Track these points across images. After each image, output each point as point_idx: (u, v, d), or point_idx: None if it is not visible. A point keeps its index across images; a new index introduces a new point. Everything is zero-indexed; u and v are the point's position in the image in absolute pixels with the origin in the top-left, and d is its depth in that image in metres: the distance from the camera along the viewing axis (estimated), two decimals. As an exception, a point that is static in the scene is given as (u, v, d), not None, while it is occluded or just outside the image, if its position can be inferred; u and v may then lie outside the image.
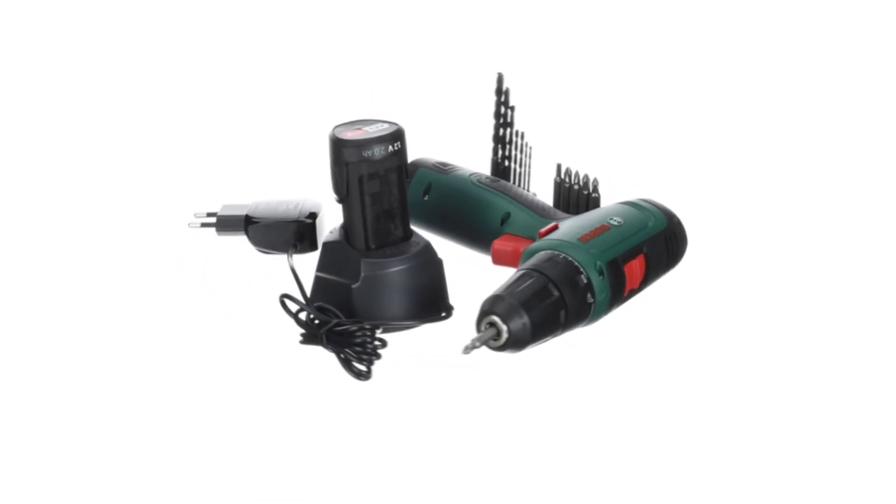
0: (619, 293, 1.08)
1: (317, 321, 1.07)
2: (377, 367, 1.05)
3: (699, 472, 0.96)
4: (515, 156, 1.25)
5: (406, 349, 1.07)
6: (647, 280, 1.11)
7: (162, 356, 1.08)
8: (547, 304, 1.03)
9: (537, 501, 0.95)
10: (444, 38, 1.51)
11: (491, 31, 1.52)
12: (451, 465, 0.98)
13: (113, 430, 1.00)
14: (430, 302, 1.11)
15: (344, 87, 1.47)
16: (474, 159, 1.26)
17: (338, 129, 1.11)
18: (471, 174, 1.22)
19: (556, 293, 1.03)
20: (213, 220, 1.23)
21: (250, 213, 1.22)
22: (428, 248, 1.12)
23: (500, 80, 1.24)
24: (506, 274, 1.08)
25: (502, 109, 1.24)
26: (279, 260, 1.19)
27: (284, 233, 1.20)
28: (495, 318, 1.02)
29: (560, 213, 1.17)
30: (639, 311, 1.12)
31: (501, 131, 1.25)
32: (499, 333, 1.02)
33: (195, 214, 1.25)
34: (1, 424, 1.01)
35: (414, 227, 1.21)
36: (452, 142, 1.31)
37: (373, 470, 0.97)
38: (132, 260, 1.23)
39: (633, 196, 1.16)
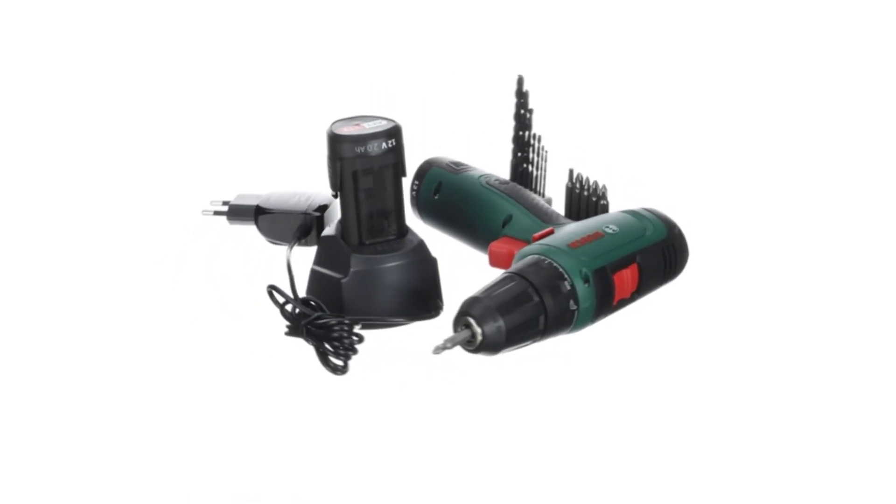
0: (606, 302, 1.06)
1: (299, 313, 1.07)
2: (358, 363, 1.05)
3: (689, 478, 0.95)
4: (533, 159, 1.24)
5: (390, 346, 1.07)
6: (640, 290, 1.09)
7: (153, 346, 1.09)
8: (525, 309, 1.02)
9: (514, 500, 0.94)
10: (472, 39, 1.51)
11: (518, 31, 1.51)
12: (421, 465, 0.97)
13: (97, 419, 1.01)
14: (421, 301, 1.11)
15: (368, 85, 1.47)
16: (498, 160, 1.25)
17: (336, 123, 1.11)
18: (480, 175, 1.21)
19: (535, 298, 1.02)
20: (226, 208, 1.25)
21: (261, 204, 1.23)
22: (421, 247, 1.12)
23: (520, 82, 1.23)
24: (498, 276, 1.07)
25: (521, 112, 1.24)
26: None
27: (292, 224, 1.21)
28: (470, 320, 1.01)
29: (563, 219, 1.15)
30: (636, 316, 1.11)
31: (520, 133, 1.24)
32: (473, 336, 1.01)
33: (211, 202, 1.26)
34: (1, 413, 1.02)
35: (427, 225, 1.22)
36: (478, 142, 1.31)
37: (344, 467, 0.97)
38: (138, 253, 1.24)
39: (640, 204, 1.15)
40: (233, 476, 0.95)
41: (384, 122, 1.11)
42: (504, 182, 1.20)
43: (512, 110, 1.23)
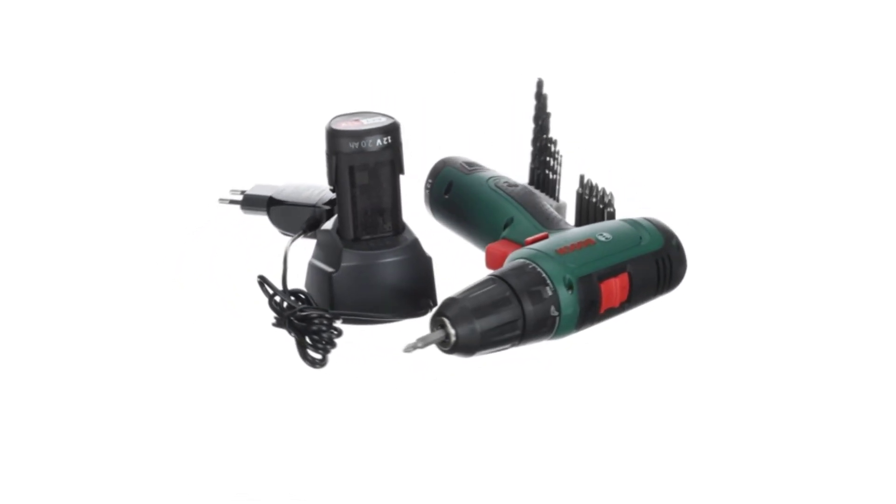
0: (592, 310, 1.05)
1: (285, 305, 1.07)
2: (343, 360, 1.05)
3: (683, 482, 0.95)
4: (549, 163, 1.23)
5: (376, 343, 1.07)
6: (631, 301, 1.08)
7: (151, 343, 1.10)
8: (502, 313, 1.01)
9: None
10: (501, 40, 1.50)
11: (545, 33, 1.51)
12: (402, 462, 0.97)
13: (96, 417, 1.01)
14: (411, 299, 1.11)
15: (393, 84, 1.47)
16: (523, 162, 1.25)
17: (336, 118, 1.11)
18: (490, 177, 1.20)
19: (514, 302, 1.01)
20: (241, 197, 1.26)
21: (274, 195, 1.24)
22: (414, 245, 1.12)
23: (539, 84, 1.22)
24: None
25: (539, 115, 1.23)
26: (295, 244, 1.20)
27: (301, 216, 1.21)
28: (445, 321, 1.01)
29: (566, 225, 1.14)
30: (634, 318, 1.10)
31: (538, 137, 1.23)
32: (447, 336, 1.01)
33: (231, 191, 1.27)
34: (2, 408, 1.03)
35: (438, 224, 1.22)
36: (503, 143, 1.30)
37: (328, 463, 0.97)
38: (137, 251, 1.25)
39: (649, 211, 1.14)
40: (225, 472, 0.96)
41: (383, 119, 1.11)
42: (513, 185, 1.19)
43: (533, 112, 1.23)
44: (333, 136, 1.09)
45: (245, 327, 1.09)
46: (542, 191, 1.23)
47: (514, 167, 1.25)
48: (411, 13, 1.55)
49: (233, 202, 1.26)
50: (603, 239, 1.08)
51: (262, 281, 1.08)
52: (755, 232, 1.26)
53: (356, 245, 1.11)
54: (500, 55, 1.50)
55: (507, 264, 1.05)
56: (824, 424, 0.99)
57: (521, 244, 1.10)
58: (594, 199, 1.17)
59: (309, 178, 1.26)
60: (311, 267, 1.13)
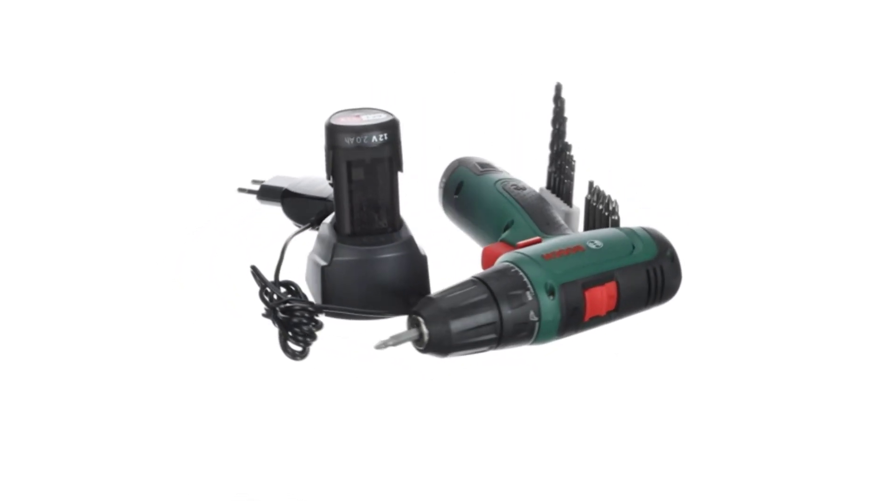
0: (575, 317, 1.03)
1: (273, 297, 1.08)
2: (340, 357, 1.05)
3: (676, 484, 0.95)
4: (563, 167, 1.22)
5: (365, 340, 1.07)
6: (619, 310, 1.06)
7: (149, 342, 1.10)
8: (478, 315, 1.00)
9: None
10: (531, 41, 1.50)
11: (571, 37, 1.49)
12: (379, 461, 0.97)
13: (95, 417, 1.01)
14: (402, 296, 1.10)
15: (421, 85, 1.48)
16: (542, 166, 1.25)
17: (337, 113, 1.12)
18: (499, 179, 1.20)
19: (492, 305, 1.01)
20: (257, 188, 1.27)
21: (289, 187, 1.25)
22: (408, 243, 1.11)
23: (558, 89, 1.21)
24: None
25: (556, 119, 1.22)
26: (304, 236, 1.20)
27: (312, 210, 1.22)
28: (420, 320, 1.01)
29: (566, 230, 1.13)
30: (631, 320, 1.10)
31: (554, 141, 1.23)
32: (421, 335, 1.01)
33: (252, 181, 1.28)
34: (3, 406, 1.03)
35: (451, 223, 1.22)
36: (527, 146, 1.30)
37: (312, 461, 0.97)
38: (137, 251, 1.24)
39: (649, 219, 1.13)
40: (225, 472, 0.96)
41: (382, 116, 1.11)
42: (521, 188, 1.18)
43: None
44: (331, 131, 1.10)
45: (245, 327, 1.09)
46: (557, 195, 1.23)
47: (535, 170, 1.24)
48: (442, 13, 1.54)
49: (250, 192, 1.28)
50: (593, 246, 1.06)
51: (254, 271, 1.09)
52: (762, 238, 1.25)
53: (351, 240, 1.11)
54: (527, 56, 1.49)
55: (491, 267, 1.05)
56: (820, 431, 0.99)
57: (516, 247, 1.10)
58: (600, 207, 1.16)
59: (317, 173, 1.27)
60: (309, 260, 1.14)
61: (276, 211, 1.26)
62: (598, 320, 1.05)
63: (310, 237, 1.18)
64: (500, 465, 0.96)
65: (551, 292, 1.02)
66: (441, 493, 0.94)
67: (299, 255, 1.16)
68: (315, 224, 1.20)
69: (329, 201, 1.21)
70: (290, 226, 1.23)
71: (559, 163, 1.22)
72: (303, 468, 0.96)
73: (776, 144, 1.43)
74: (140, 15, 1.57)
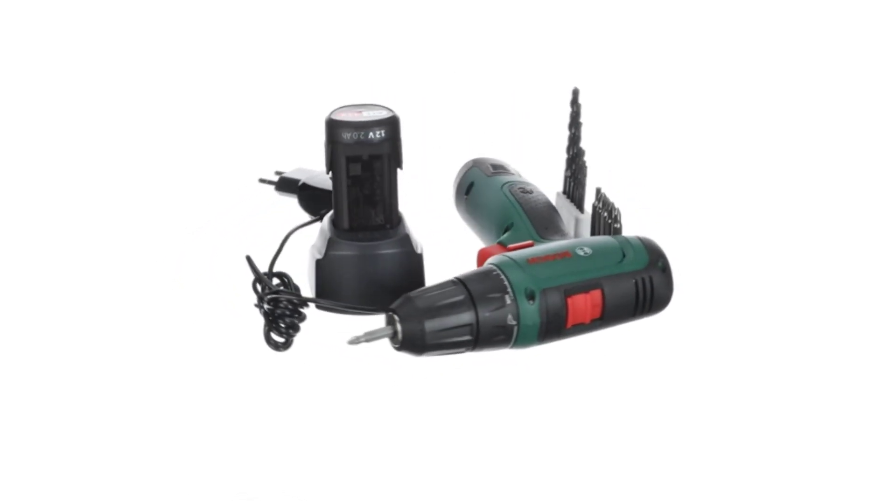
0: (556, 323, 1.03)
1: (265, 288, 1.09)
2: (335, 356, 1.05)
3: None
4: (576, 173, 1.21)
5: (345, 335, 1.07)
6: (605, 319, 1.05)
7: (148, 342, 1.09)
8: (453, 316, 1.00)
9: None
10: (559, 45, 1.49)
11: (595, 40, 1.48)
12: (371, 460, 0.98)
13: (94, 416, 1.01)
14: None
15: (459, 87, 1.47)
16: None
17: (339, 109, 1.12)
18: (507, 181, 1.19)
19: (468, 306, 1.01)
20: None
21: (306, 180, 1.26)
22: (403, 241, 1.11)
23: (575, 93, 1.20)
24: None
25: (572, 124, 1.21)
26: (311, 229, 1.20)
27: (326, 202, 1.22)
28: (395, 317, 1.01)
29: (562, 236, 1.13)
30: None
31: (570, 147, 1.22)
32: (395, 333, 1.01)
33: (275, 172, 1.30)
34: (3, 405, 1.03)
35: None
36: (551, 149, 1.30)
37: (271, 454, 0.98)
38: (137, 252, 1.24)
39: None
40: (225, 472, 0.96)
41: (383, 112, 1.11)
42: (528, 191, 1.18)
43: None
44: (331, 126, 1.10)
45: (245, 327, 1.09)
46: (571, 200, 1.22)
47: (557, 173, 1.24)
48: (472, 14, 1.54)
49: (270, 183, 1.29)
50: (581, 253, 1.06)
51: (249, 261, 1.10)
52: (762, 239, 1.25)
53: (347, 235, 1.12)
54: (550, 57, 1.49)
55: (476, 269, 1.05)
56: (818, 434, 0.98)
57: (508, 250, 1.10)
58: (605, 214, 1.15)
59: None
60: (309, 252, 1.14)
61: (278, 208, 1.26)
62: (581, 328, 1.04)
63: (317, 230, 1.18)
64: (484, 463, 0.96)
65: (531, 297, 1.02)
66: (432, 491, 0.94)
67: (307, 247, 1.16)
68: (321, 218, 1.21)
69: (341, 195, 1.21)
70: (293, 222, 1.23)
71: (573, 168, 1.21)
72: (302, 467, 0.96)
73: (777, 145, 1.42)
74: (140, 14, 1.58)
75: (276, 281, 1.11)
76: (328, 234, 1.12)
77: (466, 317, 1.00)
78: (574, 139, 1.21)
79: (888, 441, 0.97)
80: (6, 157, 1.42)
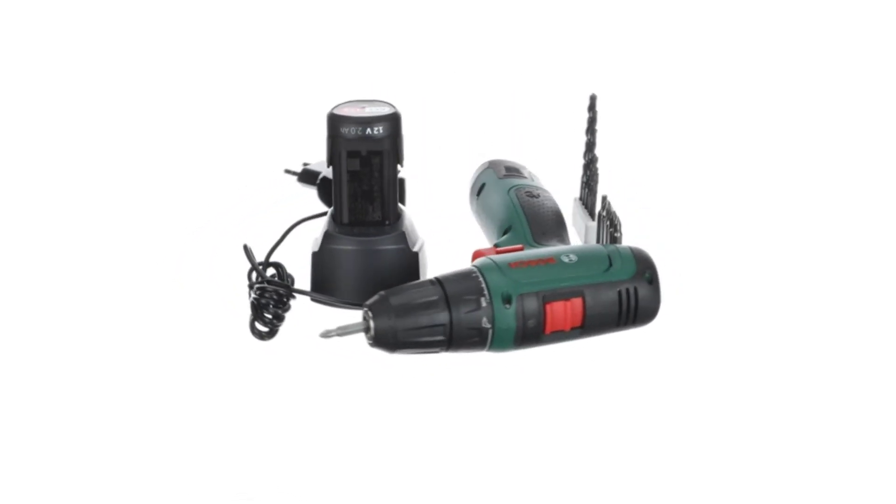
0: (533, 329, 1.02)
1: (257, 277, 1.10)
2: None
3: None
4: (589, 180, 1.21)
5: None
6: (586, 328, 1.04)
7: (149, 343, 1.10)
8: (426, 315, 1.01)
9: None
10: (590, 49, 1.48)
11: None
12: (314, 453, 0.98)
13: (93, 416, 1.01)
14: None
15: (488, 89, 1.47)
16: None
17: (343, 104, 1.13)
18: (515, 185, 1.19)
19: (442, 307, 1.01)
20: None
21: (326, 174, 1.27)
22: (399, 238, 1.12)
23: (592, 99, 1.20)
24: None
25: (588, 131, 1.21)
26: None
27: (340, 196, 1.24)
28: (369, 314, 1.01)
29: (558, 242, 1.12)
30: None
31: (586, 153, 1.21)
32: (368, 329, 1.01)
33: (303, 163, 1.31)
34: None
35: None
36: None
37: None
38: (137, 252, 1.24)
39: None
40: (225, 472, 0.96)
41: (385, 108, 1.12)
42: (534, 195, 1.18)
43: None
44: (332, 120, 1.11)
45: (245, 327, 1.09)
46: (585, 207, 1.21)
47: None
48: (501, 16, 1.54)
49: (294, 174, 1.30)
50: (566, 260, 1.05)
51: (246, 250, 1.12)
52: (762, 239, 1.24)
53: (344, 229, 1.12)
54: (590, 62, 1.48)
55: (456, 270, 1.05)
56: (816, 438, 0.98)
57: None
58: (607, 223, 1.14)
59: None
60: (311, 245, 1.16)
61: (277, 208, 1.26)
62: (561, 335, 1.04)
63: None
64: (464, 461, 0.97)
65: (508, 301, 1.01)
66: (427, 489, 0.95)
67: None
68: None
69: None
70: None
71: (587, 174, 1.21)
72: (302, 467, 0.96)
73: (777, 146, 1.41)
74: (140, 13, 1.58)
75: (271, 271, 1.12)
76: (326, 228, 1.13)
77: (440, 317, 1.01)
78: (589, 145, 1.21)
79: (887, 442, 0.97)
80: (7, 157, 1.42)
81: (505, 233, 1.14)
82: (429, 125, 1.33)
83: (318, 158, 1.23)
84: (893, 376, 1.04)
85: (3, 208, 1.32)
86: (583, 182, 1.22)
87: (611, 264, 1.05)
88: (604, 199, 1.15)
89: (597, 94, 1.19)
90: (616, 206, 1.12)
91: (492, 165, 1.24)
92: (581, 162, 1.23)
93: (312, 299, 1.11)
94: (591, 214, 1.20)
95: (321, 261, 1.11)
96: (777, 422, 0.99)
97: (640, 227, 1.13)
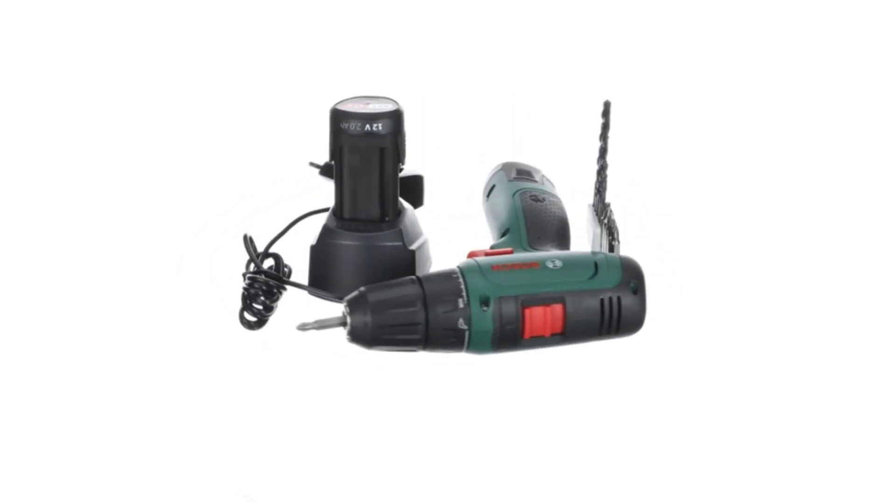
0: (511, 333, 1.02)
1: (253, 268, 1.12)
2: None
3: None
4: (599, 186, 1.20)
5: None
6: (567, 335, 1.03)
7: (149, 342, 1.10)
8: (401, 314, 1.01)
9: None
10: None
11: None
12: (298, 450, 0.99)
13: (92, 416, 1.01)
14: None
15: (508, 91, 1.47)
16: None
17: (349, 99, 1.14)
18: (522, 188, 1.19)
19: (419, 306, 1.01)
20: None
21: None
22: (396, 235, 1.12)
23: (606, 106, 1.19)
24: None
25: (601, 138, 1.20)
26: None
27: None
28: (346, 309, 1.02)
29: (554, 247, 1.12)
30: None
31: (599, 160, 1.21)
32: (345, 324, 1.02)
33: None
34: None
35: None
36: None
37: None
38: (137, 253, 1.24)
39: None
40: (225, 472, 0.96)
41: (388, 105, 1.12)
42: (539, 199, 1.18)
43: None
44: (334, 116, 1.12)
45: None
46: (596, 214, 1.21)
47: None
48: (524, 19, 1.54)
49: (317, 166, 1.31)
50: (550, 266, 1.04)
51: (245, 241, 1.13)
52: (762, 239, 1.24)
53: (343, 224, 1.13)
54: (591, 62, 1.49)
55: (438, 270, 1.05)
56: (815, 440, 0.98)
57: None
58: (606, 230, 1.14)
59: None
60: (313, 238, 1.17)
61: (277, 208, 1.24)
62: (541, 341, 1.03)
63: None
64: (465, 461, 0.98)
65: (485, 303, 1.02)
66: (424, 489, 0.96)
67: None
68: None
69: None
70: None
71: (598, 181, 1.20)
72: (303, 467, 0.97)
73: (777, 146, 1.40)
74: (139, 12, 1.57)
75: (269, 262, 1.13)
76: (325, 222, 1.14)
77: (417, 316, 1.01)
78: (602, 152, 1.20)
79: (886, 443, 0.97)
80: (7, 157, 1.42)
81: (503, 235, 1.14)
82: (456, 126, 1.34)
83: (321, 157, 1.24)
84: (893, 376, 1.04)
85: (3, 208, 1.33)
86: (595, 188, 1.22)
87: (596, 272, 1.05)
88: (607, 206, 1.14)
89: (611, 100, 1.19)
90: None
91: (504, 167, 1.24)
92: (595, 168, 1.23)
93: (310, 293, 1.12)
94: (600, 221, 1.19)
95: (319, 254, 1.13)
96: (777, 422, 0.98)
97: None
